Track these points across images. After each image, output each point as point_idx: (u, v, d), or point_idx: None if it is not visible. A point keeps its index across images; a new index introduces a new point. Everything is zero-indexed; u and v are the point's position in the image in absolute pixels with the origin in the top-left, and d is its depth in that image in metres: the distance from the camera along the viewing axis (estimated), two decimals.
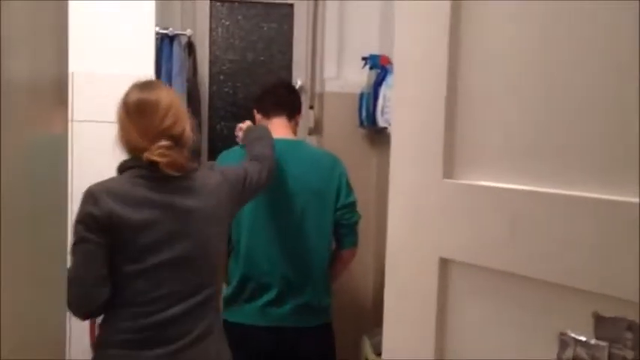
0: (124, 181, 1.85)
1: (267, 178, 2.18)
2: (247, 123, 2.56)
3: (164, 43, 2.97)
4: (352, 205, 2.59)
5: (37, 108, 0.89)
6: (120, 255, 1.81)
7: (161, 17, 2.95)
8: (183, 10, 3.31)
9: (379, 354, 2.68)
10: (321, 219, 2.50)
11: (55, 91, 1.01)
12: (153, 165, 1.81)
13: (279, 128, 2.55)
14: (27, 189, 0.82)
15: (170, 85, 2.96)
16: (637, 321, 0.73)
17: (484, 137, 0.95)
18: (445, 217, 0.98)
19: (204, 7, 3.40)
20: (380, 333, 2.71)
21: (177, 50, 2.99)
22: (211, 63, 3.46)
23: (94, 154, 2.65)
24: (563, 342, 0.80)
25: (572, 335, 0.79)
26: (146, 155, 1.80)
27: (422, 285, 1.01)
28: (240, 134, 2.53)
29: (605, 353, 0.75)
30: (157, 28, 2.88)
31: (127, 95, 1.91)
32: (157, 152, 1.80)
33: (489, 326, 0.93)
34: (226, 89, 3.48)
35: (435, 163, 0.99)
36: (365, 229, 2.82)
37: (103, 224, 1.77)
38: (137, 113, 1.86)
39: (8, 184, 0.69)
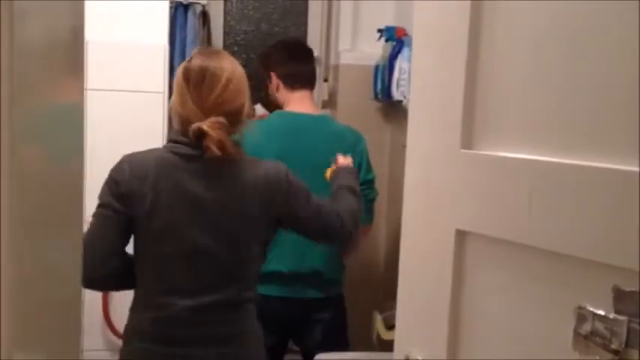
0: (155, 155, 1.71)
1: (341, 234, 1.88)
2: (348, 160, 2.21)
3: (178, 11, 2.94)
4: (371, 182, 2.58)
5: (52, 74, 0.88)
6: (135, 235, 1.71)
7: None
8: None
9: (390, 327, 2.69)
10: None
11: (71, 58, 0.99)
12: (197, 142, 1.66)
13: (303, 102, 2.52)
14: (42, 156, 0.81)
15: (184, 54, 2.94)
16: None
17: (502, 108, 0.93)
18: (462, 188, 0.97)
19: None
20: (391, 307, 2.71)
21: (192, 19, 2.96)
22: (225, 33, 3.42)
23: (107, 124, 2.65)
24: (581, 316, 0.79)
25: (591, 309, 0.78)
26: (197, 124, 1.64)
27: (438, 256, 1.00)
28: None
29: (624, 328, 0.74)
30: None
31: (189, 61, 1.76)
32: (209, 124, 1.63)
33: (505, 299, 0.92)
34: (240, 61, 3.43)
35: (453, 133, 0.97)
36: (377, 202, 2.81)
37: (122, 194, 1.67)
38: (198, 82, 1.70)
39: (23, 151, 0.69)
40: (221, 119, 1.65)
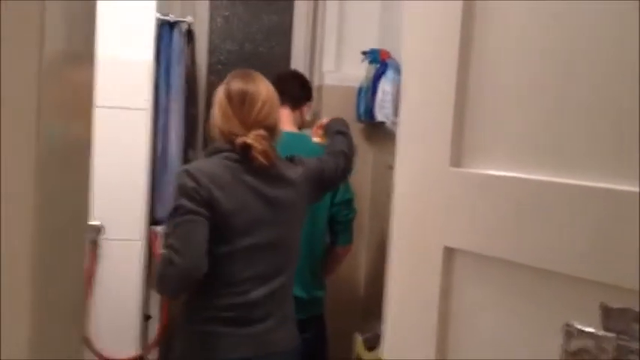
0: (215, 163, 1.91)
1: (342, 174, 2.27)
2: (324, 119, 2.58)
3: (164, 29, 2.94)
4: (349, 202, 2.59)
5: (68, 92, 0.90)
6: (213, 235, 1.85)
7: (161, 4, 2.94)
8: None
9: (370, 348, 2.68)
10: (317, 213, 2.49)
11: (84, 79, 1.02)
12: (244, 152, 1.89)
13: (281, 120, 2.53)
14: (57, 169, 0.83)
15: (168, 72, 2.94)
16: None
17: (491, 127, 0.94)
18: (451, 205, 0.98)
19: None
20: (371, 329, 2.69)
21: (177, 37, 2.97)
22: (210, 52, 3.44)
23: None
24: (569, 333, 0.79)
25: (578, 326, 0.79)
26: (242, 138, 1.88)
27: (425, 274, 1.00)
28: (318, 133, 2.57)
29: (613, 345, 0.75)
30: (158, 15, 2.87)
31: (229, 84, 2.00)
32: (253, 137, 1.88)
33: (494, 315, 0.92)
34: (224, 79, 3.45)
35: (442, 151, 0.98)
36: (359, 223, 2.81)
37: (204, 200, 1.83)
38: (239, 102, 1.95)
39: (43, 158, 0.70)
40: (262, 132, 1.91)
